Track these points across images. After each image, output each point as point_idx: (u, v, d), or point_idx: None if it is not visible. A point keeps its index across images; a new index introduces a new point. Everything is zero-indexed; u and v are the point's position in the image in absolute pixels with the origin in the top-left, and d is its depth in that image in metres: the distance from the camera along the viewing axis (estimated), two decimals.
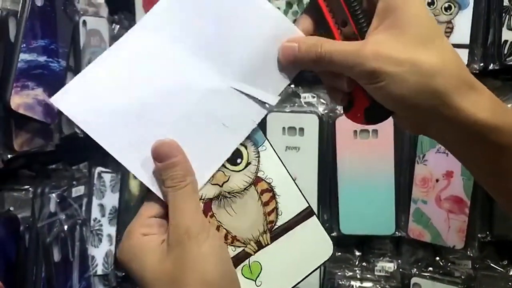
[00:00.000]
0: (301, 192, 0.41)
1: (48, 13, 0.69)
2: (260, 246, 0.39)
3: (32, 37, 0.66)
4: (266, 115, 0.41)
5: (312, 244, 0.41)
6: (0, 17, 0.62)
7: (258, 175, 0.40)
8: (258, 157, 0.41)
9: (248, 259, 0.39)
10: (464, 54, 0.78)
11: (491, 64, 0.77)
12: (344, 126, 0.80)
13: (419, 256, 0.86)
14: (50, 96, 0.71)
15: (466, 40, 0.78)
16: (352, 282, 0.87)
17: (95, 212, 0.86)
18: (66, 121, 0.80)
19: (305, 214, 0.41)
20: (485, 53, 0.78)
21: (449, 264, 0.84)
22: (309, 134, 0.83)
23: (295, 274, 0.39)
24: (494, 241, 0.81)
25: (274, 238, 0.40)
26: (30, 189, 0.73)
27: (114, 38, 0.90)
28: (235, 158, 0.40)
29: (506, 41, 0.75)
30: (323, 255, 0.40)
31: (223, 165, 0.40)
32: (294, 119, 0.83)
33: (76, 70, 0.79)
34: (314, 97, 0.83)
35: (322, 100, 0.83)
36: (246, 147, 0.41)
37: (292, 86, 0.84)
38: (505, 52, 0.75)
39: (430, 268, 0.84)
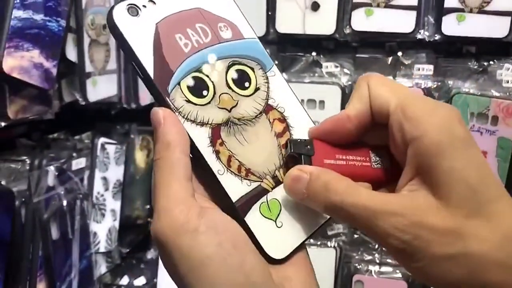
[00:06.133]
0: (314, 124, 0.36)
1: None
2: (277, 182, 0.34)
3: None
4: None
5: None
6: None
7: (269, 102, 0.35)
8: (267, 82, 0.36)
9: (265, 196, 0.33)
10: (505, 22, 0.70)
11: None
12: None
13: None
14: (47, 58, 0.65)
15: (509, 7, 0.70)
16: (371, 267, 0.82)
17: (98, 186, 0.81)
18: (67, 88, 0.74)
19: None
20: None
21: None
22: (330, 107, 0.76)
23: (320, 214, 0.34)
24: None
25: None
26: (26, 160, 0.67)
27: None
28: (242, 80, 0.35)
29: None
30: None
31: (230, 88, 0.34)
32: (314, 91, 0.77)
33: (78, 31, 0.72)
34: (337, 67, 0.76)
35: (345, 70, 0.76)
36: (253, 70, 0.35)
37: (314, 54, 0.77)
38: None
39: None
